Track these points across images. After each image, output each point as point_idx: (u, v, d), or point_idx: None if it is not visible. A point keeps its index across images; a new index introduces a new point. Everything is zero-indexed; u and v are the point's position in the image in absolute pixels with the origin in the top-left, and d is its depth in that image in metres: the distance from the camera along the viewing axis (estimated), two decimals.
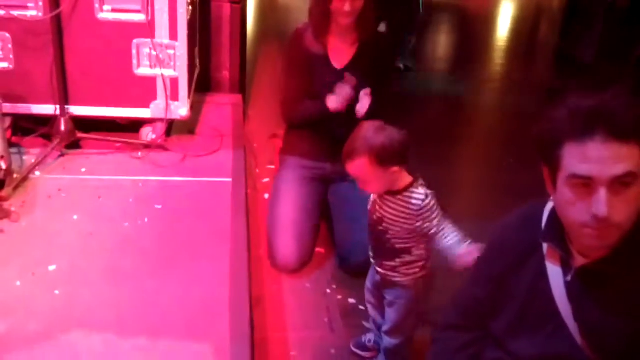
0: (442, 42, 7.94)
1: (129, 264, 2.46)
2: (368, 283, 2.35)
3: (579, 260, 1.44)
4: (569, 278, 1.46)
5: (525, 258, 1.56)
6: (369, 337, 2.47)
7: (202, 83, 3.99)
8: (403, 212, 2.06)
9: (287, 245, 2.81)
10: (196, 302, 2.28)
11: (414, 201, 2.04)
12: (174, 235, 2.65)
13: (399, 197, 2.06)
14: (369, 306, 2.42)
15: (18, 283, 2.32)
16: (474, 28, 8.43)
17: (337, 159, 2.46)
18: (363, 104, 2.71)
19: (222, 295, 2.31)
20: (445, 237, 2.00)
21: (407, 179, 2.06)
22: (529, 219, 1.58)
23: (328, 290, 2.80)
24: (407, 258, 2.13)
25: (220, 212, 2.81)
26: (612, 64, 6.19)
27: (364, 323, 2.55)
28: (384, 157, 1.97)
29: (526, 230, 1.58)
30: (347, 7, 2.66)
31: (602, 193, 1.28)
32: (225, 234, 2.66)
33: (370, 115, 2.60)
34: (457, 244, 1.98)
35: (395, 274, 2.15)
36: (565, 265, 1.47)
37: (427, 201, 2.03)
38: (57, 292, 2.29)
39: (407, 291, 2.17)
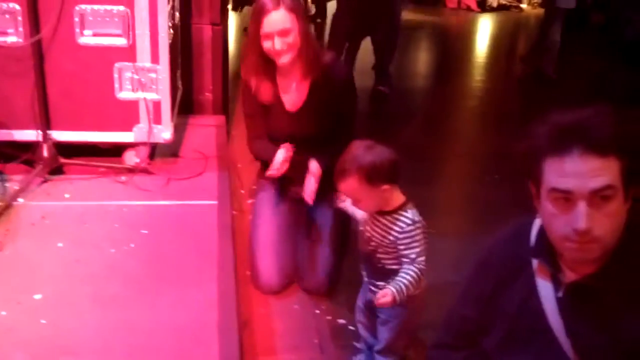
0: (421, 60, 8.01)
1: (116, 290, 2.43)
2: (359, 302, 2.35)
3: (569, 276, 1.45)
4: (560, 294, 1.47)
5: (514, 275, 1.57)
6: (359, 358, 2.46)
7: (185, 105, 3.98)
8: (388, 233, 2.07)
9: (266, 266, 2.81)
10: (184, 327, 2.25)
11: (399, 223, 2.05)
12: (160, 260, 2.63)
13: (388, 217, 2.06)
14: (359, 326, 2.41)
15: (4, 313, 2.28)
16: (451, 45, 8.52)
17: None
18: (308, 189, 2.61)
19: (210, 319, 2.28)
20: (404, 267, 2.04)
21: (399, 199, 2.07)
22: (518, 236, 1.59)
23: (317, 311, 2.78)
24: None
25: (207, 235, 2.80)
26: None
27: (355, 344, 2.54)
28: (373, 176, 1.98)
29: (515, 247, 1.59)
30: (277, 44, 2.51)
31: (582, 206, 1.31)
32: (212, 257, 2.64)
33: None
34: (399, 280, 2.02)
35: None
36: (556, 281, 1.48)
37: (411, 226, 2.03)
38: (43, 321, 2.25)
39: (400, 309, 2.17)
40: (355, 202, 2.08)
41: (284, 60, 2.56)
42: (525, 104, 6.01)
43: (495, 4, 11.37)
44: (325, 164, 2.60)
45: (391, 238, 2.06)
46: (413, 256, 2.02)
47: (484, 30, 9.86)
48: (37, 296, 2.38)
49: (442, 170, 4.50)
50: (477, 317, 1.66)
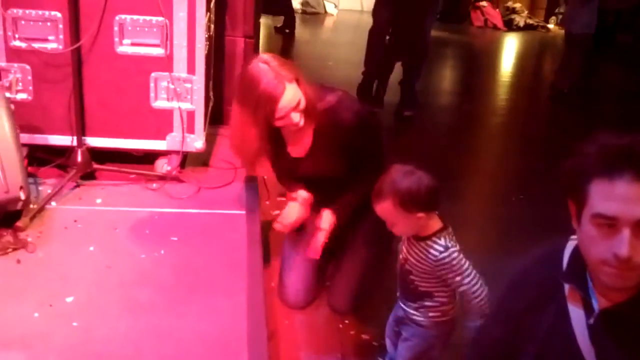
0: (446, 77, 8.02)
1: (146, 296, 2.46)
2: (391, 318, 2.35)
3: (602, 303, 1.44)
4: (591, 321, 1.46)
5: (546, 298, 1.55)
6: None
7: (215, 116, 4.02)
8: (422, 259, 2.07)
9: (294, 282, 2.81)
10: (213, 336, 2.28)
11: (432, 251, 2.04)
12: (190, 267, 2.66)
13: (422, 243, 2.07)
14: (387, 341, 2.42)
15: (36, 315, 2.32)
16: (477, 63, 8.51)
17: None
18: (315, 244, 2.60)
19: (239, 329, 2.30)
20: (474, 297, 2.03)
21: (435, 225, 2.07)
22: (551, 258, 1.57)
23: (340, 325, 2.79)
24: (429, 302, 2.13)
25: (235, 244, 2.82)
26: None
27: (379, 358, 2.54)
28: (409, 202, 1.98)
29: (547, 269, 1.57)
30: (294, 118, 2.40)
31: (626, 233, 1.29)
32: (241, 267, 2.66)
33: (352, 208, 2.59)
34: (475, 314, 2.02)
35: (417, 314, 2.16)
36: (587, 307, 1.47)
37: (445, 254, 2.02)
38: (75, 324, 2.29)
39: (424, 331, 2.17)
40: (390, 226, 2.09)
41: (300, 125, 2.45)
42: (551, 125, 6.00)
43: (522, 24, 11.35)
44: (345, 210, 2.59)
45: (424, 264, 2.07)
46: (458, 279, 2.02)
47: (510, 49, 9.85)
48: (69, 299, 2.42)
49: (467, 187, 4.49)
50: (506, 339, 1.65)
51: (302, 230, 2.81)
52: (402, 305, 2.22)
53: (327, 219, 2.61)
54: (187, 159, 3.56)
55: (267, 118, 2.38)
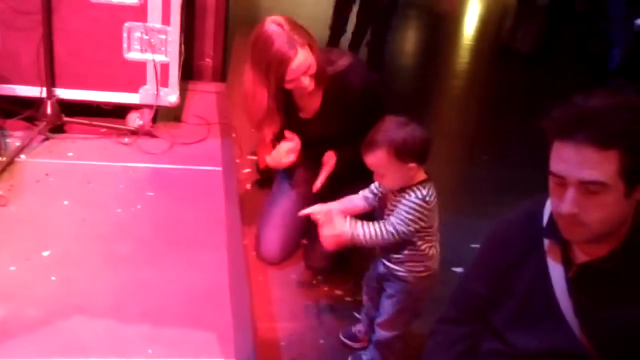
0: (410, 39, 8.00)
1: (126, 250, 2.44)
2: (370, 274, 2.37)
3: (580, 258, 1.48)
4: (570, 275, 1.49)
5: (526, 254, 1.58)
6: (358, 328, 2.49)
7: (184, 70, 3.94)
8: (401, 203, 2.09)
9: (271, 237, 2.80)
10: (196, 289, 2.28)
11: (410, 193, 2.06)
12: (168, 222, 2.64)
13: (406, 190, 2.08)
14: (365, 298, 2.44)
15: (13, 268, 2.27)
16: (441, 25, 8.52)
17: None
18: (319, 179, 2.59)
19: (221, 282, 2.31)
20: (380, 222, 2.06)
21: (420, 177, 2.08)
22: (531, 215, 1.60)
23: (314, 282, 2.81)
24: (413, 252, 2.15)
25: (213, 200, 2.81)
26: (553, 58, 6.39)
27: (355, 313, 2.57)
28: (403, 152, 1.98)
29: (528, 226, 1.60)
30: (305, 82, 2.42)
31: (570, 193, 1.34)
32: (220, 222, 2.66)
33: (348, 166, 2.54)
34: (362, 227, 2.07)
35: (401, 269, 2.17)
36: (566, 262, 1.50)
37: (418, 201, 2.03)
38: (53, 277, 2.26)
39: (408, 286, 2.20)
40: (379, 177, 2.08)
41: (311, 89, 2.47)
42: (506, 85, 6.06)
43: None
44: (345, 156, 2.58)
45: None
46: (393, 220, 2.03)
47: (473, 13, 9.88)
48: (46, 253, 2.38)
49: (432, 149, 4.51)
50: (487, 293, 1.68)
51: (287, 181, 2.83)
52: (384, 261, 2.24)
53: (330, 154, 2.62)
54: (158, 114, 3.47)
55: (277, 80, 2.39)
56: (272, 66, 2.35)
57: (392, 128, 2.00)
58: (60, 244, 2.43)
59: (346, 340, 2.47)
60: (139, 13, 3.07)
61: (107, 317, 2.11)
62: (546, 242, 1.54)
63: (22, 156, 2.95)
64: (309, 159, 2.68)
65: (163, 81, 3.22)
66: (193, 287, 2.28)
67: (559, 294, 1.51)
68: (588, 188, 1.32)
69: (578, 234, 1.39)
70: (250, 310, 2.26)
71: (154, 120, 3.40)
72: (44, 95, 3.10)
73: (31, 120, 3.19)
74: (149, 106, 3.28)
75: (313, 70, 2.42)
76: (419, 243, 2.13)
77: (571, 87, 5.21)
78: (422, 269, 2.16)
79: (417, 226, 2.03)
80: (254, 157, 3.48)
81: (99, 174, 2.92)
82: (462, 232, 2.84)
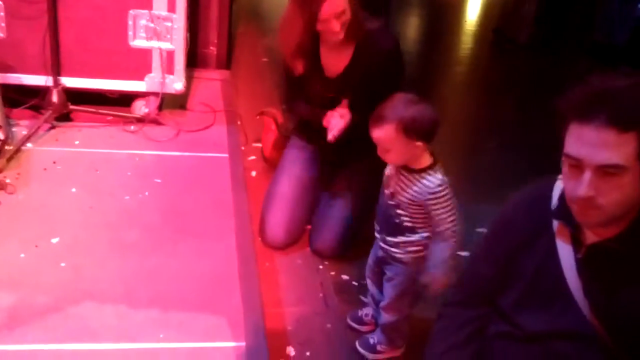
0: (412, 25, 7.97)
1: (134, 237, 2.45)
2: (370, 259, 2.37)
3: (590, 238, 1.47)
4: (579, 255, 1.49)
5: (535, 236, 1.57)
6: (365, 312, 2.49)
7: (189, 58, 3.94)
8: (416, 192, 2.08)
9: (276, 220, 2.80)
10: (205, 275, 2.29)
11: (427, 183, 2.05)
12: (176, 209, 2.65)
13: (416, 175, 2.07)
14: (368, 282, 2.44)
15: (22, 255, 2.28)
16: (443, 10, 8.48)
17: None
18: (333, 126, 2.53)
19: (230, 268, 2.32)
20: (438, 243, 2.04)
21: (427, 159, 2.07)
22: (539, 197, 1.59)
23: (320, 267, 2.80)
24: (412, 237, 2.15)
25: (220, 187, 2.81)
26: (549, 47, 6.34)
27: (361, 297, 2.57)
28: (412, 129, 1.97)
29: (536, 208, 1.59)
30: (336, 26, 2.42)
31: (587, 175, 1.32)
32: (227, 208, 2.66)
33: (358, 132, 2.46)
34: (438, 260, 2.02)
35: (397, 250, 2.17)
36: (576, 243, 1.49)
37: (440, 188, 2.04)
38: (62, 264, 2.27)
39: (406, 268, 2.20)
40: (383, 152, 2.07)
41: (339, 37, 2.47)
42: (505, 72, 6.04)
43: None
44: (360, 120, 2.58)
45: (417, 196, 2.08)
46: (444, 216, 2.04)
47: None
48: (55, 240, 2.39)
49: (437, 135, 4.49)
50: (494, 276, 1.67)
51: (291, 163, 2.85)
52: (382, 244, 2.24)
53: (345, 111, 2.58)
54: (164, 102, 3.49)
55: (312, 16, 2.39)
56: (306, 1, 2.38)
57: (402, 105, 1.99)
58: (68, 231, 2.44)
59: (353, 324, 2.47)
60: (144, 0, 3.06)
61: (117, 303, 2.12)
62: (555, 223, 1.53)
63: (29, 145, 2.96)
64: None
65: (169, 69, 3.22)
66: (202, 273, 2.29)
67: (568, 275, 1.50)
68: (606, 171, 1.30)
69: (592, 216, 1.37)
70: (259, 294, 2.27)
71: (160, 107, 3.41)
72: (50, 84, 3.11)
73: (37, 109, 3.20)
74: (155, 94, 3.28)
75: (347, 17, 2.42)
76: (420, 229, 2.13)
77: (579, 74, 5.17)
78: (419, 248, 2.16)
79: (454, 210, 2.03)
80: (259, 145, 3.49)
81: (105, 162, 2.92)
82: (467, 217, 2.85)
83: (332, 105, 2.61)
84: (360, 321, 2.46)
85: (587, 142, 1.30)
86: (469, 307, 1.76)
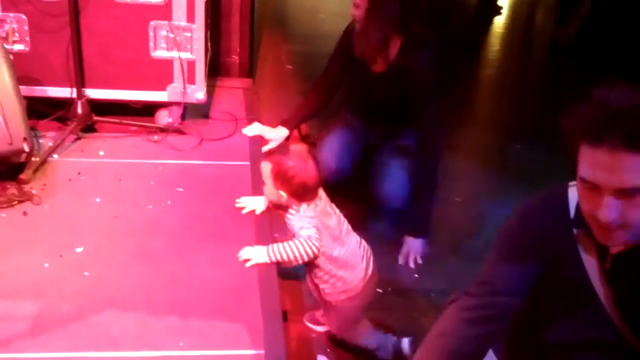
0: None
1: (157, 246, 2.47)
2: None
3: (615, 247, 1.42)
4: (607, 266, 1.44)
5: (551, 246, 1.51)
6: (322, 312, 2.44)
7: (211, 67, 3.98)
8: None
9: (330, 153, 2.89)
10: (226, 284, 2.29)
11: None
12: (198, 217, 2.66)
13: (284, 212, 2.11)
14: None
15: (46, 265, 2.32)
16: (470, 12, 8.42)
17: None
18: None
19: (251, 277, 2.32)
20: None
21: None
22: (553, 203, 1.54)
23: None
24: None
25: (242, 194, 2.81)
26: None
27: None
28: (279, 180, 2.05)
29: (551, 214, 1.53)
30: (354, 10, 2.65)
31: (606, 200, 1.27)
32: (248, 216, 2.67)
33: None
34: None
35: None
36: (600, 252, 1.45)
37: (299, 215, 2.06)
38: (86, 273, 2.30)
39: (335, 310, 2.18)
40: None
41: (358, 17, 2.65)
42: (545, 76, 5.97)
43: None
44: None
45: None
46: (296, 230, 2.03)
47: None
48: (79, 249, 2.42)
49: (462, 138, 4.45)
50: (509, 288, 1.57)
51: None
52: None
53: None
54: (187, 111, 3.53)
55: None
56: None
57: (285, 157, 2.06)
58: (92, 240, 2.47)
59: (310, 324, 2.41)
60: (164, 12, 3.10)
61: (139, 310, 2.14)
62: (575, 232, 1.47)
63: (55, 156, 3.01)
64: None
65: (190, 78, 3.25)
66: (223, 281, 2.30)
67: (595, 285, 1.45)
68: (627, 193, 1.26)
69: (618, 236, 1.33)
70: (279, 302, 2.27)
71: (183, 117, 3.44)
72: (75, 95, 3.15)
73: (63, 120, 3.25)
74: (177, 104, 3.31)
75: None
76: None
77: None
78: (342, 294, 2.12)
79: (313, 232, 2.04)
80: None
81: (129, 172, 2.96)
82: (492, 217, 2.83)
83: (372, 106, 2.87)
84: (316, 322, 2.42)
85: (602, 167, 1.26)
86: (478, 297, 1.64)
